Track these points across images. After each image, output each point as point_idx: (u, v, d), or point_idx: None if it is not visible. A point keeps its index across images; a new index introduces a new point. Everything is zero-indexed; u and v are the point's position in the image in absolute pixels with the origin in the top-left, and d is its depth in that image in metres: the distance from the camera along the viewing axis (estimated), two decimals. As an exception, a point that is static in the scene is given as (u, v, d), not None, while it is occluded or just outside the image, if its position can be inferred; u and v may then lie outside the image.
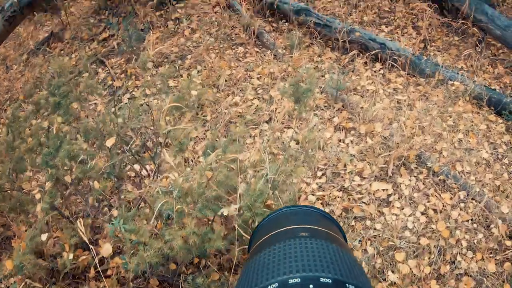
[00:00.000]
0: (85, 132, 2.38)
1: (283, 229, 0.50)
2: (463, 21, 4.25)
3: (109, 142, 2.56)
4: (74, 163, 2.19)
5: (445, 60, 4.01)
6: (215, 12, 4.25)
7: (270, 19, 4.20)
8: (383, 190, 2.79)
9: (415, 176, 2.90)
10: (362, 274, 0.44)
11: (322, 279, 0.39)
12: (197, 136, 3.14)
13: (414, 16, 4.42)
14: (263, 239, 0.50)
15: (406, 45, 4.10)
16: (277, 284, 0.40)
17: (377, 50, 3.72)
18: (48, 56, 4.25)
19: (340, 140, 3.00)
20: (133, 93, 3.56)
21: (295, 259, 0.42)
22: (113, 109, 3.34)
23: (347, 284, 0.40)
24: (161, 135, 2.32)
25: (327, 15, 4.17)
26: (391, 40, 3.97)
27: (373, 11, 4.45)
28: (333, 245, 0.46)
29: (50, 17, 5.03)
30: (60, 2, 5.18)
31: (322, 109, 3.21)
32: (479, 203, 2.80)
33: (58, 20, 4.76)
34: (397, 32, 4.25)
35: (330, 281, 0.39)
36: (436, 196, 2.82)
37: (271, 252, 0.45)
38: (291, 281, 0.39)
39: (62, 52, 4.37)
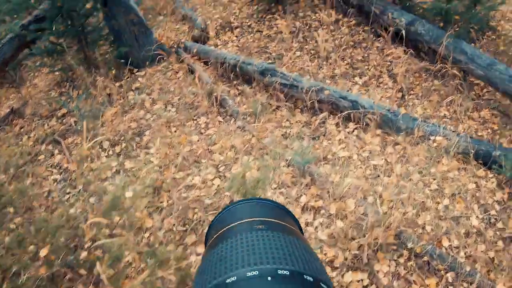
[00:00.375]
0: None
1: (239, 222, 0.50)
2: (441, 63, 3.99)
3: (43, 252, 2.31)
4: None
5: (425, 109, 3.72)
6: (178, 78, 4.03)
7: (234, 82, 3.97)
8: (358, 281, 2.44)
9: (394, 260, 2.55)
10: (319, 265, 0.44)
11: (280, 271, 0.39)
12: (152, 226, 2.84)
13: (389, 64, 4.16)
14: (219, 232, 0.50)
15: (382, 97, 3.82)
16: (235, 277, 0.39)
17: (349, 110, 3.44)
18: (5, 137, 4.03)
19: (307, 224, 2.67)
20: (88, 177, 3.30)
21: (253, 252, 0.42)
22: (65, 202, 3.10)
23: (304, 276, 0.40)
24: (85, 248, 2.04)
25: (295, 72, 3.93)
26: (364, 95, 3.70)
27: (345, 61, 4.21)
28: (290, 237, 0.46)
29: (15, 90, 4.87)
30: (25, 73, 5.02)
31: (289, 186, 2.90)
32: (471, 284, 2.44)
33: (20, 94, 4.58)
34: (372, 83, 3.98)
35: (288, 273, 0.39)
36: (420, 283, 2.46)
37: (228, 246, 0.45)
38: (249, 274, 0.39)
39: (22, 130, 4.16)
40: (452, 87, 3.89)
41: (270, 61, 4.12)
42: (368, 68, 4.12)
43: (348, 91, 3.80)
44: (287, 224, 0.51)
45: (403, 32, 4.09)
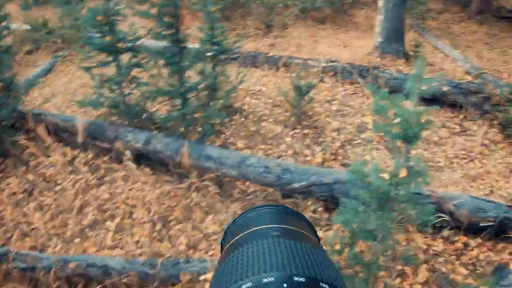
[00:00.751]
0: None
1: (255, 228, 0.50)
2: (187, 179, 3.64)
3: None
4: None
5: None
6: None
7: None
8: None
9: None
10: (335, 271, 0.44)
11: (295, 278, 0.39)
12: None
13: (140, 192, 3.66)
14: (235, 238, 0.50)
15: (138, 241, 3.24)
16: (250, 283, 0.39)
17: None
18: None
19: None
20: None
21: (269, 258, 0.42)
22: None
23: (320, 282, 0.40)
24: None
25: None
26: (117, 250, 3.06)
27: (91, 206, 3.55)
28: (305, 244, 0.46)
29: None
30: None
31: None
32: None
33: None
34: (125, 225, 3.39)
35: (304, 280, 0.39)
36: None
37: (244, 252, 0.45)
38: (264, 280, 0.39)
39: None
40: (211, 199, 3.57)
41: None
42: (117, 206, 3.54)
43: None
44: (303, 230, 0.51)
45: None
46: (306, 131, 4.54)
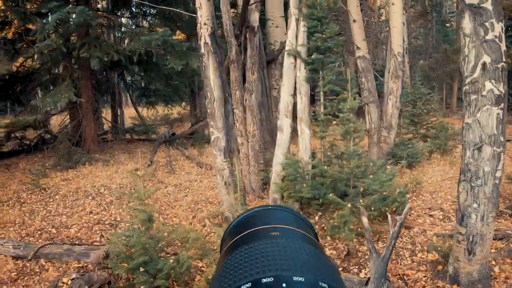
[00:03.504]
0: None
1: (254, 229, 0.50)
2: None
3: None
4: None
5: None
6: None
7: None
8: None
9: None
10: (335, 272, 0.44)
11: (295, 278, 0.39)
12: None
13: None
14: (235, 239, 0.50)
15: None
16: (250, 284, 0.39)
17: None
18: None
19: None
20: None
21: (268, 259, 0.42)
22: None
23: (320, 282, 0.40)
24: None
25: None
26: None
27: None
28: (305, 244, 0.46)
29: None
30: None
31: None
32: None
33: None
34: None
35: (303, 279, 0.39)
36: None
37: (243, 252, 0.45)
38: (264, 280, 0.39)
39: None
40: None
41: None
42: None
43: None
44: (302, 231, 0.51)
45: None
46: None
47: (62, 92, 7.64)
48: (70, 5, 7.98)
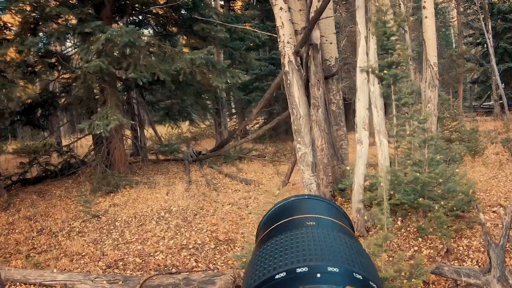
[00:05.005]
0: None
1: (290, 218, 0.49)
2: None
3: None
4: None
5: None
6: None
7: None
8: None
9: None
10: (369, 263, 0.43)
11: (329, 268, 0.39)
12: None
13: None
14: (270, 228, 0.50)
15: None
16: (284, 273, 0.39)
17: None
18: None
19: None
20: None
21: (302, 249, 0.42)
22: None
23: (354, 273, 0.39)
24: None
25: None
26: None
27: None
28: (340, 234, 0.45)
29: None
30: None
31: None
32: None
33: None
34: None
35: (338, 270, 0.39)
36: None
37: (278, 242, 0.45)
38: (298, 270, 0.39)
39: None
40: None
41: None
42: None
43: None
44: (339, 221, 0.50)
45: None
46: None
47: (110, 114, 7.47)
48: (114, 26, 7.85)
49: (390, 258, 4.55)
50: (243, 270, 4.14)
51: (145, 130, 11.16)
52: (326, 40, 7.41)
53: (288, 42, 5.58)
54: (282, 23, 5.58)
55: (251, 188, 8.45)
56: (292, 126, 5.77)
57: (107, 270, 5.49)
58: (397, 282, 4.12)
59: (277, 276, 0.39)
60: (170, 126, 11.15)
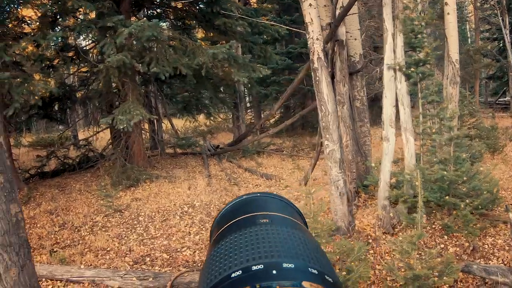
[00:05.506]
0: None
1: (243, 216, 0.49)
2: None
3: None
4: None
5: None
6: None
7: None
8: None
9: None
10: (324, 258, 0.44)
11: (284, 265, 0.39)
12: None
13: None
14: (224, 227, 0.49)
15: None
16: (240, 271, 0.39)
17: None
18: None
19: None
20: None
21: (257, 246, 0.42)
22: None
23: (309, 268, 0.40)
24: None
25: None
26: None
27: None
28: (294, 231, 0.45)
29: None
30: None
31: None
32: None
33: None
34: None
35: (293, 266, 0.39)
36: None
37: (232, 240, 0.44)
38: (254, 267, 0.39)
39: None
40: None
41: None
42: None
43: None
44: (292, 217, 0.50)
45: None
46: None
47: (132, 109, 7.49)
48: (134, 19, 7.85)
49: (417, 255, 4.57)
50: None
51: (162, 124, 11.20)
52: (351, 36, 7.38)
53: (317, 39, 5.57)
54: (311, 19, 5.56)
55: (272, 183, 8.49)
56: (320, 123, 5.78)
57: (135, 266, 5.51)
58: (430, 280, 4.15)
59: (233, 275, 0.39)
60: (188, 120, 11.20)
